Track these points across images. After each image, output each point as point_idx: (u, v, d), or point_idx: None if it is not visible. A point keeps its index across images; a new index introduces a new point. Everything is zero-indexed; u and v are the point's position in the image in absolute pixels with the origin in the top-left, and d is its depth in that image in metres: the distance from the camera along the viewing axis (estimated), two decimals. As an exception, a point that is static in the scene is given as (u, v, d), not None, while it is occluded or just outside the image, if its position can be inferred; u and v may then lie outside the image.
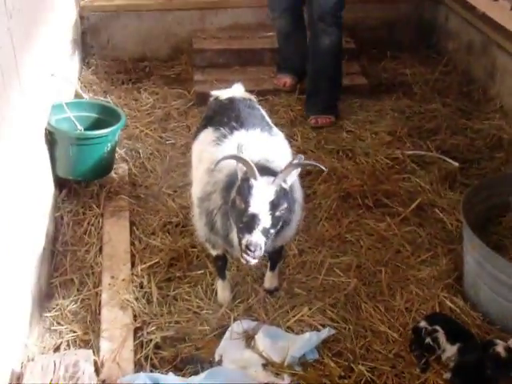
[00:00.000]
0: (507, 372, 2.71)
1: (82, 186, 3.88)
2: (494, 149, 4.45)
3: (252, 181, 2.50)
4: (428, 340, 2.87)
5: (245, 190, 2.50)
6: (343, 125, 4.82)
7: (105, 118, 3.84)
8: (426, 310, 3.14)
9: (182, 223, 3.69)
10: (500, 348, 2.71)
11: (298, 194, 2.91)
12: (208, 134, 3.03)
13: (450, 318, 3.05)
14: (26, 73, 3.06)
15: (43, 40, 3.62)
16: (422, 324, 2.93)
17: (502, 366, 2.70)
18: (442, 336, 2.86)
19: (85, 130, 3.70)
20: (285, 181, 2.56)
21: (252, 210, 2.46)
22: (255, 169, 2.50)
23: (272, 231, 2.52)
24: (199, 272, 3.38)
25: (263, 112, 3.35)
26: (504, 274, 2.88)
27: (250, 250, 2.43)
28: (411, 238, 3.65)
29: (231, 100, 3.24)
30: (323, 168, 2.66)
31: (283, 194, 2.54)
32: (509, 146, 4.46)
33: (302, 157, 2.61)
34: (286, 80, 5.08)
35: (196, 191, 2.92)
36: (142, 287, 3.25)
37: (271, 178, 2.52)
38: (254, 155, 2.65)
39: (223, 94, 3.39)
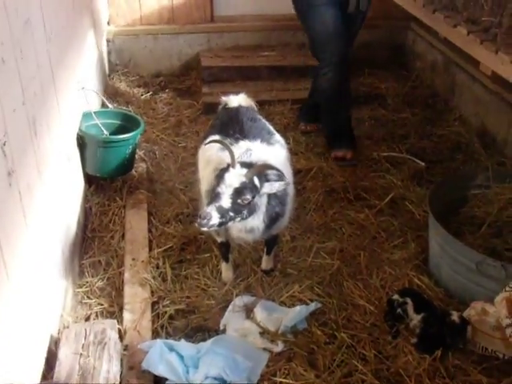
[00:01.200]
0: (462, 336, 2.73)
1: (108, 182, 3.87)
2: (454, 151, 4.44)
3: (230, 168, 2.50)
4: (399, 310, 2.87)
5: (222, 173, 2.51)
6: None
7: (127, 124, 3.81)
8: (397, 286, 3.13)
9: (191, 214, 3.67)
10: (455, 317, 2.72)
11: (290, 189, 2.90)
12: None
13: (417, 292, 3.04)
14: (61, 86, 3.04)
15: (75, 59, 3.59)
16: (395, 297, 2.93)
17: (457, 331, 2.71)
18: (410, 307, 2.85)
19: (110, 134, 3.67)
20: (260, 180, 2.53)
21: (218, 189, 2.47)
22: (235, 159, 2.51)
23: (231, 214, 2.48)
24: (206, 255, 3.37)
25: (264, 122, 3.26)
26: (461, 255, 2.88)
27: (200, 217, 2.42)
28: (385, 226, 3.64)
29: (236, 113, 3.15)
30: (287, 180, 2.62)
31: (250, 188, 2.49)
32: (466, 148, 4.46)
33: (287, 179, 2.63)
34: (310, 127, 4.71)
35: (204, 186, 2.91)
36: (158, 267, 3.25)
37: (245, 171, 2.50)
38: (253, 160, 2.65)
39: (231, 100, 3.34)
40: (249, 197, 2.50)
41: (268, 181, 2.57)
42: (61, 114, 2.98)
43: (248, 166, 2.55)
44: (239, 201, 2.48)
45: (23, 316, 2.17)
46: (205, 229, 2.48)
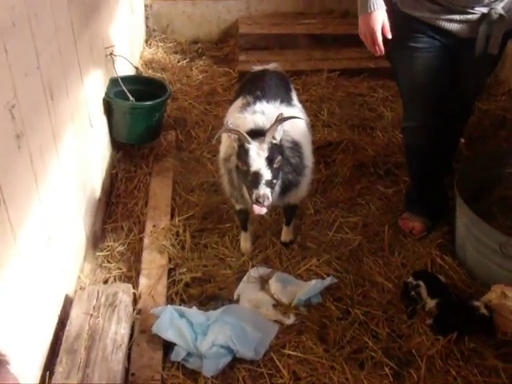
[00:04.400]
0: (489, 328, 2.71)
1: (135, 149, 3.96)
2: (498, 127, 4.29)
3: (247, 145, 2.54)
4: (413, 293, 2.86)
5: (243, 154, 2.55)
6: (367, 102, 4.74)
7: (155, 91, 3.87)
8: (419, 265, 3.11)
9: (216, 183, 3.71)
10: (483, 310, 2.68)
11: (308, 160, 2.92)
12: (238, 102, 3.08)
13: (432, 275, 2.99)
14: (84, 51, 3.11)
15: (104, 24, 3.67)
16: (409, 279, 2.91)
17: (485, 324, 2.69)
18: (423, 290, 2.84)
19: (137, 101, 3.73)
20: (274, 137, 2.58)
21: (253, 169, 2.52)
22: (247, 135, 2.55)
23: (275, 181, 2.57)
24: (227, 225, 3.43)
25: (291, 86, 3.34)
26: (485, 236, 2.83)
27: (260, 202, 2.50)
28: (414, 203, 3.58)
29: (263, 71, 3.26)
30: (302, 118, 2.64)
31: (275, 149, 2.58)
32: (511, 125, 4.31)
33: (282, 113, 2.63)
34: (415, 224, 3.38)
35: (221, 153, 2.96)
36: (178, 235, 3.33)
37: (261, 138, 2.55)
38: (269, 122, 2.67)
39: (259, 69, 3.40)
40: (280, 157, 2.60)
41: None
42: (83, 78, 3.06)
43: (256, 133, 2.61)
44: (275, 165, 2.57)
45: (35, 277, 2.29)
46: (266, 210, 2.56)
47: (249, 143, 2.55)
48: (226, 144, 2.84)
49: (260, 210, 2.55)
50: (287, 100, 3.04)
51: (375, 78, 5.01)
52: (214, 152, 4.08)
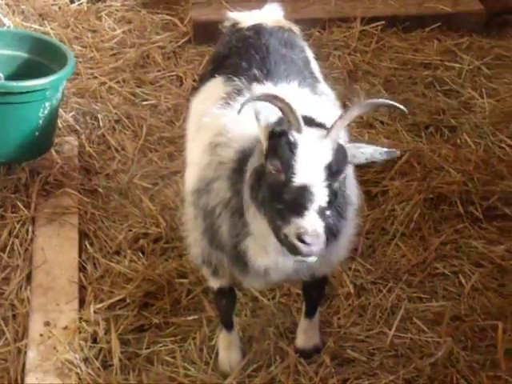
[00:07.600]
0: None
1: (1, 173, 3.95)
2: None
3: (294, 135, 2.50)
4: None
5: (284, 150, 2.49)
6: (440, 79, 4.85)
7: (40, 59, 3.89)
8: None
9: (164, 237, 3.73)
10: None
11: (353, 192, 2.95)
12: (215, 87, 3.08)
13: None
14: None
15: None
16: None
17: None
18: None
19: (6, 78, 3.75)
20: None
21: (300, 179, 2.46)
22: (299, 116, 2.49)
23: (330, 220, 2.53)
24: (190, 318, 3.41)
25: (310, 54, 3.42)
26: None
27: (305, 242, 2.39)
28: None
29: (257, 31, 3.28)
30: (403, 108, 2.56)
31: (342, 155, 2.53)
32: None
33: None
34: None
35: (190, 180, 2.94)
36: (95, 341, 3.29)
37: (323, 131, 2.52)
38: None
39: (246, 19, 3.44)
40: (345, 171, 2.57)
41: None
42: None
43: (310, 121, 2.58)
44: (336, 185, 2.53)
45: None
46: (314, 259, 2.48)
47: (299, 132, 2.50)
48: (203, 162, 2.81)
49: (306, 254, 2.42)
50: (310, 81, 3.07)
51: (453, 35, 5.11)
52: (154, 176, 4.09)
